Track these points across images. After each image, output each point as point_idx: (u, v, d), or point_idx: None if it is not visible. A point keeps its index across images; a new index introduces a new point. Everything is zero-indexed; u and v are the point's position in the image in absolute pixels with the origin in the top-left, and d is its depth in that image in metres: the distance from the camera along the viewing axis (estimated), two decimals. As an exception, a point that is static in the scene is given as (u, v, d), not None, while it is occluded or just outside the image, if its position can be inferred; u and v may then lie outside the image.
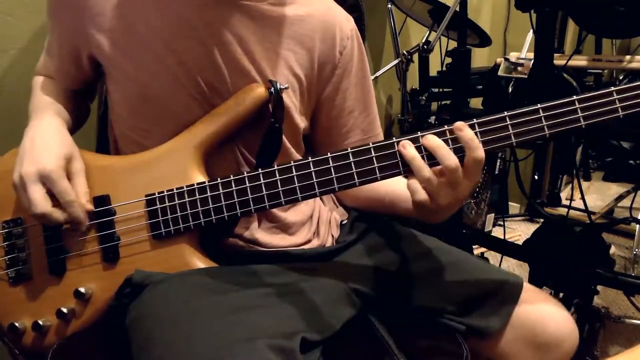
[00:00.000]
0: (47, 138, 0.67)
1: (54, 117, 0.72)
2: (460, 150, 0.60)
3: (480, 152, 0.59)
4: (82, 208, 0.66)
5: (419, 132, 0.63)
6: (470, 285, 0.74)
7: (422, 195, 0.60)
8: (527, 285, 0.75)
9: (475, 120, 0.62)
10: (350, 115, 0.81)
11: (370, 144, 0.64)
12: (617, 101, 0.60)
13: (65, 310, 0.67)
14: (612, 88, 0.60)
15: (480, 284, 0.74)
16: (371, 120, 0.83)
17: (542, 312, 0.72)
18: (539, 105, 0.61)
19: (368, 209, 0.83)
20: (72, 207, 0.65)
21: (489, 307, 0.72)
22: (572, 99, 0.61)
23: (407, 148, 0.61)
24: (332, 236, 0.82)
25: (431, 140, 0.61)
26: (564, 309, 0.74)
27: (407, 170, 0.63)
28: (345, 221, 0.84)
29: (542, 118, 0.61)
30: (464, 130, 0.60)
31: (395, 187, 0.76)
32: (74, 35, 0.71)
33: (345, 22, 0.79)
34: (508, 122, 0.61)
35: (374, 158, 0.63)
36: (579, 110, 0.61)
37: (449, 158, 0.59)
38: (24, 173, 0.63)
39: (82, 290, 0.66)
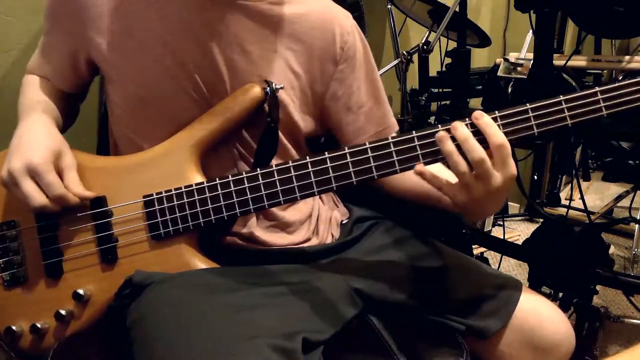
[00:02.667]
0: (34, 134, 0.67)
1: (43, 115, 0.71)
2: (484, 141, 0.60)
3: (500, 136, 0.59)
4: (78, 196, 0.65)
5: (414, 132, 0.63)
6: (470, 287, 0.74)
7: (449, 189, 0.62)
8: (525, 289, 0.75)
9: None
10: (360, 111, 0.80)
11: (367, 143, 0.64)
12: (601, 101, 0.61)
13: (63, 312, 0.66)
14: (597, 88, 0.62)
15: (480, 285, 0.74)
16: (384, 112, 0.83)
17: (540, 316, 0.73)
18: (528, 105, 0.62)
19: (417, 203, 0.81)
20: (62, 201, 0.64)
21: (489, 308, 0.72)
22: (560, 98, 0.62)
23: (447, 143, 0.60)
24: (332, 235, 0.82)
25: (460, 131, 0.60)
26: (561, 312, 0.74)
27: (404, 169, 0.63)
28: (345, 221, 0.84)
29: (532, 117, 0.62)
30: (481, 118, 0.60)
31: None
32: (73, 37, 0.71)
33: (344, 18, 0.79)
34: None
35: (370, 158, 0.64)
36: (565, 110, 0.62)
37: (476, 149, 0.59)
38: (12, 168, 0.63)
39: (81, 292, 0.66)
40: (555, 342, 0.72)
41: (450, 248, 0.81)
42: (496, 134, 0.59)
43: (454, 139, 0.60)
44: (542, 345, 0.71)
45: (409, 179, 0.76)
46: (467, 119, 0.61)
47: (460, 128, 0.60)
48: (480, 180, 0.59)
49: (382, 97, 0.83)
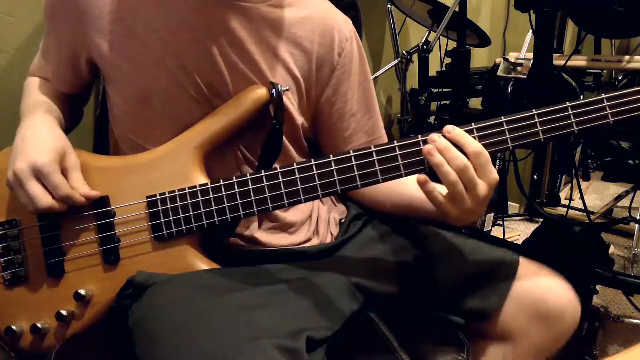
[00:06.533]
0: (38, 134, 0.67)
1: (46, 115, 0.71)
2: (462, 152, 0.61)
3: (475, 144, 0.60)
4: (84, 196, 0.65)
5: (419, 136, 0.63)
6: (467, 268, 0.74)
7: (439, 199, 0.62)
8: (526, 261, 0.75)
9: (473, 126, 0.63)
10: (352, 119, 0.81)
11: (372, 147, 0.64)
12: (607, 108, 0.62)
13: (65, 313, 0.66)
14: (603, 95, 0.62)
15: (477, 264, 0.74)
16: (374, 122, 0.84)
17: (542, 286, 0.73)
18: (535, 112, 0.63)
19: (396, 214, 0.82)
20: (69, 201, 0.64)
21: (487, 286, 0.73)
22: (566, 105, 0.63)
23: (435, 155, 0.61)
24: (332, 234, 0.82)
25: (439, 142, 0.61)
26: (565, 280, 0.74)
27: (409, 173, 0.63)
28: (344, 220, 0.84)
29: (538, 123, 0.63)
30: (453, 131, 0.61)
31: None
32: (73, 39, 0.71)
33: (343, 24, 0.79)
34: (505, 127, 0.63)
35: (375, 161, 0.64)
36: (572, 117, 0.62)
37: (458, 157, 0.60)
38: (17, 170, 0.63)
39: (82, 292, 0.66)
40: (560, 310, 0.71)
41: (444, 231, 0.80)
42: (471, 143, 0.60)
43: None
44: (547, 314, 0.71)
45: (384, 190, 0.77)
46: (439, 133, 0.63)
47: (439, 139, 0.61)
48: (468, 190, 0.60)
49: (374, 107, 0.84)
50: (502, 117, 0.63)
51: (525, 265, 0.74)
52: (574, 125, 0.62)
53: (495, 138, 0.63)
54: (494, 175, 0.61)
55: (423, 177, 0.61)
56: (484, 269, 0.73)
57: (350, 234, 0.80)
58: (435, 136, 0.62)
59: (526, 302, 0.72)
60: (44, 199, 0.63)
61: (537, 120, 0.62)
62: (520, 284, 0.72)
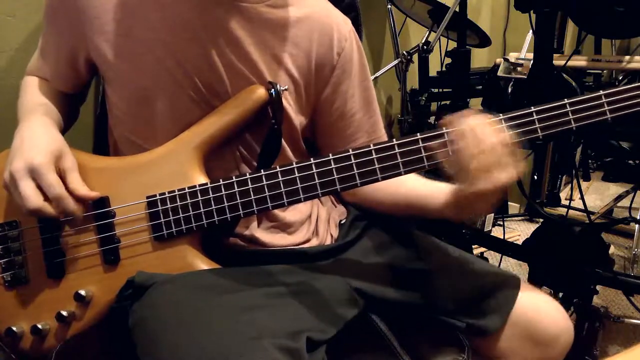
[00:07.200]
0: (35, 136, 0.67)
1: (44, 117, 0.71)
2: None
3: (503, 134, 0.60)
4: (83, 197, 0.65)
5: (418, 134, 0.64)
6: (470, 285, 0.74)
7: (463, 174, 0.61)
8: (524, 284, 0.76)
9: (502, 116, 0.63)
10: (352, 118, 0.81)
11: (371, 145, 0.64)
12: (605, 104, 0.62)
13: (65, 313, 0.66)
14: (601, 92, 0.62)
15: (480, 283, 0.75)
16: (374, 121, 0.83)
17: (538, 309, 0.73)
18: (532, 108, 0.63)
19: (390, 213, 0.82)
20: (61, 201, 0.64)
21: (489, 306, 0.73)
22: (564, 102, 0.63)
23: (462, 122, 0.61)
24: (331, 235, 0.82)
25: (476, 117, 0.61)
26: (559, 305, 0.75)
27: (408, 171, 0.63)
28: (344, 221, 0.84)
29: (536, 120, 0.63)
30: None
31: (422, 189, 0.76)
32: (72, 38, 0.71)
33: (342, 24, 0.79)
34: (535, 117, 0.63)
35: (375, 159, 0.64)
36: (570, 113, 0.62)
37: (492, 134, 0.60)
38: (13, 169, 0.63)
39: (82, 293, 0.66)
40: (554, 334, 0.72)
41: (450, 245, 0.81)
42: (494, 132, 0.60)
43: None
44: (541, 338, 0.72)
45: (377, 189, 0.77)
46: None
47: (474, 115, 0.61)
48: (485, 170, 0.60)
49: (374, 106, 0.84)
50: (501, 115, 0.63)
51: (523, 289, 0.74)
52: (572, 122, 0.62)
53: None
54: (518, 167, 0.60)
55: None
56: (487, 288, 0.74)
57: (350, 237, 0.80)
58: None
59: (522, 326, 0.72)
60: (34, 199, 0.62)
61: (535, 117, 0.62)
62: (517, 307, 0.73)
